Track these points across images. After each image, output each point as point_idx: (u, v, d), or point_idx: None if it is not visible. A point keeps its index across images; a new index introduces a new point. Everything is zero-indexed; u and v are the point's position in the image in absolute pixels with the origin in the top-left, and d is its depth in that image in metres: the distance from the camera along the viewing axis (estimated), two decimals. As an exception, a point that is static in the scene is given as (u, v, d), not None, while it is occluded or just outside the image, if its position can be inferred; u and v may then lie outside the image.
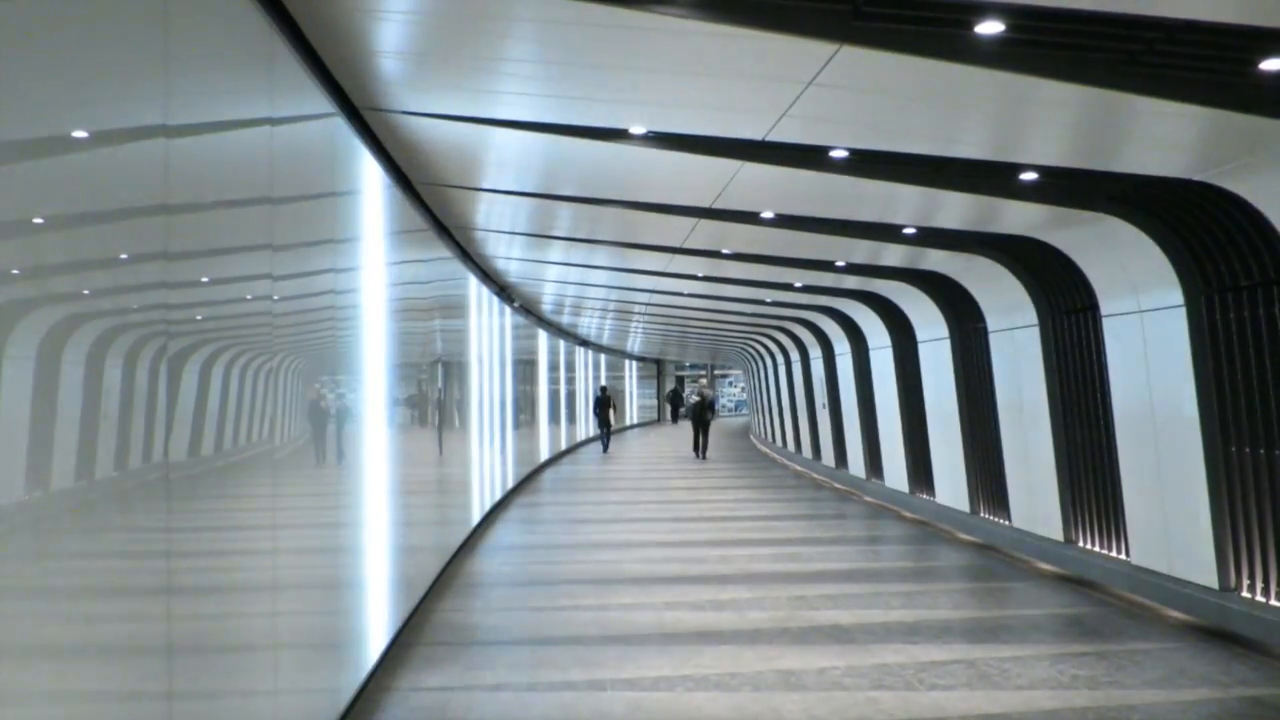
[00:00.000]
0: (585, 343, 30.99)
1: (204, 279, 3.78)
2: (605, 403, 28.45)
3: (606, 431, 28.29)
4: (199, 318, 3.73)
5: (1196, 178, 6.74)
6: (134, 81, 3.10)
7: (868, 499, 15.88)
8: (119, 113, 3.03)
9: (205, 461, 3.66)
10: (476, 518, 12.23)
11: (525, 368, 19.30)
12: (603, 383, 33.44)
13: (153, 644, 3.08)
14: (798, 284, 14.10)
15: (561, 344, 26.43)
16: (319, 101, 5.28)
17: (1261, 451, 7.09)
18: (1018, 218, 8.63)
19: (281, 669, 4.44)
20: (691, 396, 25.72)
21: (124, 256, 3.10)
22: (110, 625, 2.92)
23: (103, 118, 2.93)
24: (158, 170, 3.16)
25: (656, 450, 29.01)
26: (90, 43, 2.84)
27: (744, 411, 50.97)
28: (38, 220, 2.55)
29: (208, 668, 3.57)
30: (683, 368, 51.52)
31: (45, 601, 2.52)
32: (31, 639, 2.44)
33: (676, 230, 10.31)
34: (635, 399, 45.04)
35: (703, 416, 24.81)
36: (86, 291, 2.85)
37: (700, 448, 24.64)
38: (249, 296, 4.30)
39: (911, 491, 14.04)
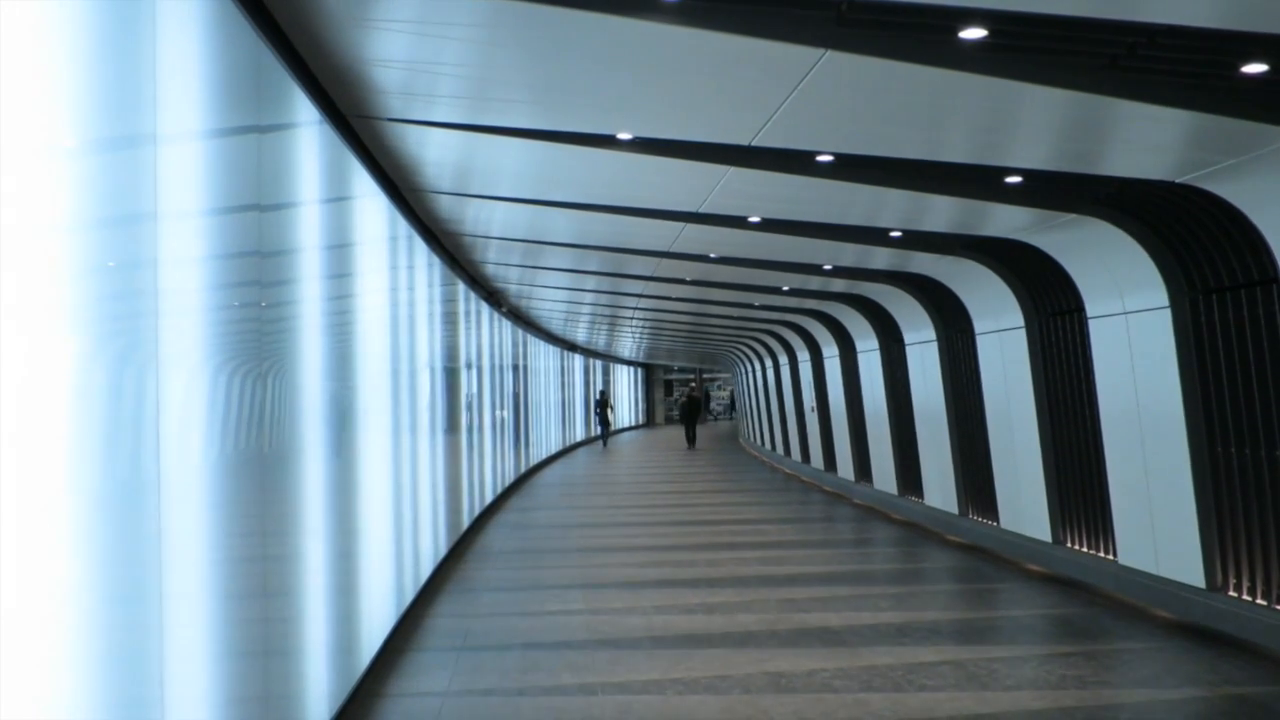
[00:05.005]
0: (574, 347, 31.15)
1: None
2: (604, 404, 32.06)
3: (605, 430, 31.86)
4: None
5: (1179, 180, 6.79)
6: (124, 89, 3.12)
7: (857, 502, 15.92)
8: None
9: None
10: (466, 521, 12.25)
11: (515, 373, 19.31)
12: (601, 387, 36.45)
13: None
14: (785, 287, 14.14)
15: (552, 350, 26.54)
16: (306, 108, 5.29)
17: (1247, 451, 7.14)
18: (1003, 220, 8.68)
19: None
20: (682, 398, 31.22)
21: (111, 264, 3.12)
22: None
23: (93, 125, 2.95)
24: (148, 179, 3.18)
25: (647, 454, 29.06)
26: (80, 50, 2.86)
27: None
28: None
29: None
30: (671, 371, 51.58)
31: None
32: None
33: (664, 235, 10.34)
34: (626, 402, 45.27)
35: (694, 414, 30.75)
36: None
37: (691, 439, 30.15)
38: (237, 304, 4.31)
39: (900, 494, 14.08)
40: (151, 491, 3.19)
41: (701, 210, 8.78)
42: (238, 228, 4.26)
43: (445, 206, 9.29)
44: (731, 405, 52.14)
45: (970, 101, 5.73)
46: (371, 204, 7.11)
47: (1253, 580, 7.14)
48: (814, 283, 13.45)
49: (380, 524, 7.02)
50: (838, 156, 6.89)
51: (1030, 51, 4.99)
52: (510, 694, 6.17)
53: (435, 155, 7.55)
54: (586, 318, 22.63)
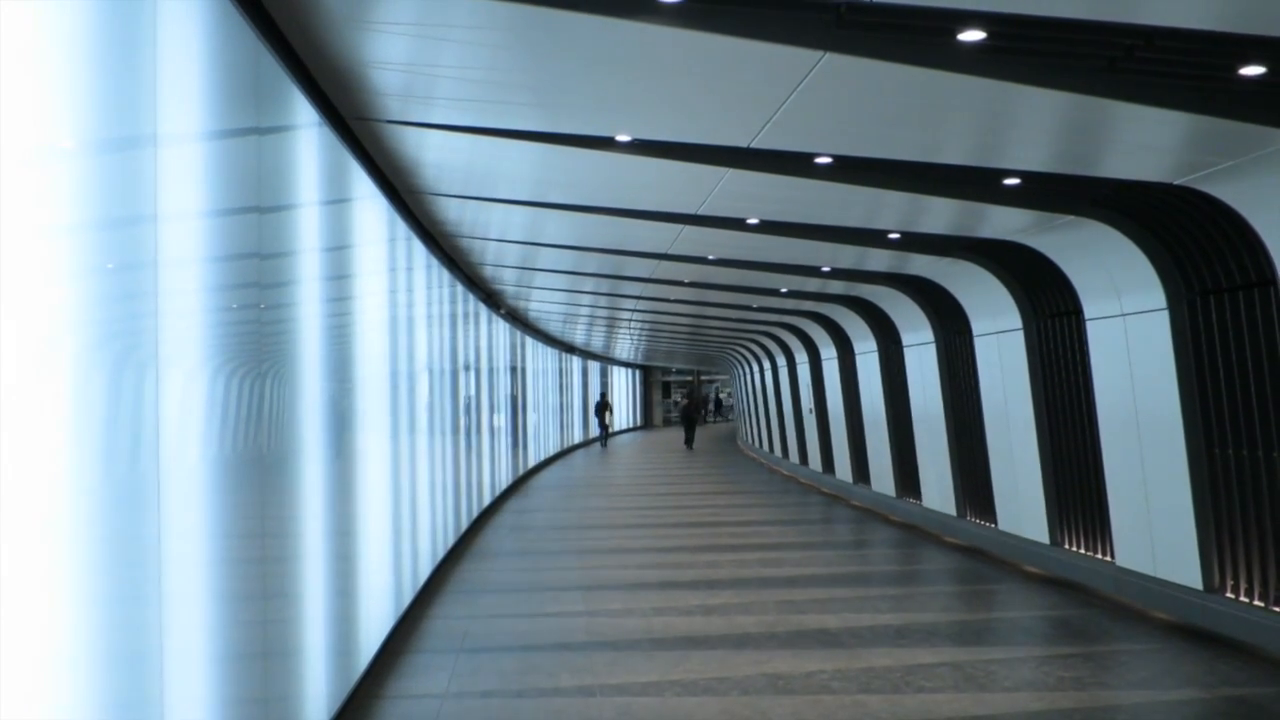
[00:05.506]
0: (572, 349, 31.15)
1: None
2: (604, 407, 32.93)
3: (605, 432, 32.74)
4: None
5: (1178, 182, 6.80)
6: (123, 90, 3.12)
7: (855, 503, 15.92)
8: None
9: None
10: (464, 522, 12.25)
11: (514, 374, 19.30)
12: (601, 390, 37.15)
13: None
14: (783, 289, 14.14)
15: (550, 351, 26.54)
16: (305, 110, 5.29)
17: (1244, 452, 7.15)
18: (1001, 222, 8.69)
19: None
20: (683, 399, 32.08)
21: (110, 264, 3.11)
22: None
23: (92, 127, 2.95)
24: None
25: (646, 455, 29.03)
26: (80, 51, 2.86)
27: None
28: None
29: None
30: (669, 373, 51.59)
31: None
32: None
33: (662, 237, 10.34)
34: (624, 404, 45.33)
35: (692, 416, 31.74)
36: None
37: (689, 440, 30.92)
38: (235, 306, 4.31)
39: (898, 496, 14.09)
40: (150, 492, 3.19)
41: (700, 212, 8.78)
42: (237, 229, 4.26)
43: (444, 208, 9.29)
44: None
45: (969, 104, 5.74)
46: (370, 206, 7.12)
47: (1250, 582, 7.15)
48: (812, 285, 13.45)
49: (379, 525, 7.02)
50: (836, 158, 6.89)
51: (1028, 54, 5.00)
52: (509, 695, 6.17)
53: (434, 157, 7.55)
54: (585, 320, 22.63)
